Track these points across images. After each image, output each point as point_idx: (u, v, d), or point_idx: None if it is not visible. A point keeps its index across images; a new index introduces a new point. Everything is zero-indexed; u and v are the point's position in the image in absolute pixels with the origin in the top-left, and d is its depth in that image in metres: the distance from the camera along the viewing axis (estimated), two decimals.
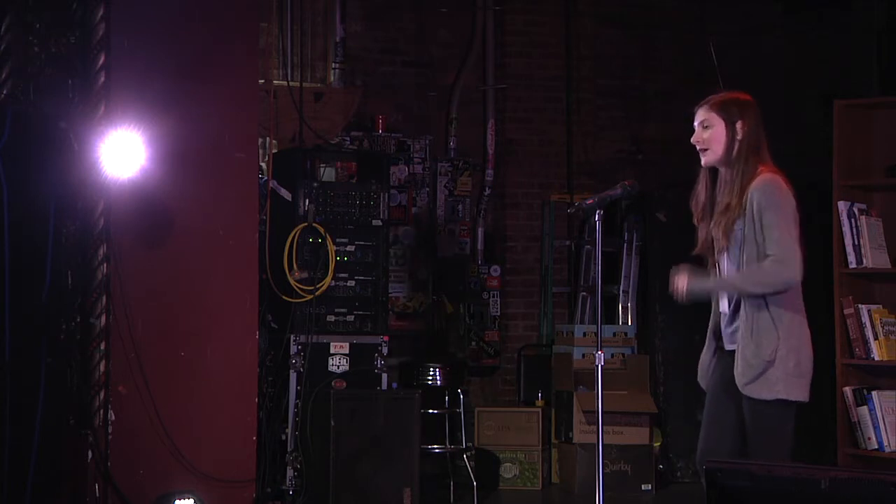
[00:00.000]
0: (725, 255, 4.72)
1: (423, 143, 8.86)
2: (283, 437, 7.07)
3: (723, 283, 4.70)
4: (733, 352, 4.70)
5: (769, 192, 4.61)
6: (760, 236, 4.59)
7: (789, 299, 4.63)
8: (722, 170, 4.75)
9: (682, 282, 4.70)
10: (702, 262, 4.84)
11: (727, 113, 4.71)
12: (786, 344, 4.59)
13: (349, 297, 7.40)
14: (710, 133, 4.72)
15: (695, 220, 4.83)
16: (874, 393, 6.51)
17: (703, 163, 4.77)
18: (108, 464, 6.00)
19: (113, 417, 6.02)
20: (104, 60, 6.02)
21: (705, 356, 4.85)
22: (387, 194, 7.56)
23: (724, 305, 4.76)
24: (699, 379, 4.87)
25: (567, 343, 8.43)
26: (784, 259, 4.56)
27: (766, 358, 4.57)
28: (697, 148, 4.76)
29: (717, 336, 4.81)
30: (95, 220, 6.00)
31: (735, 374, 4.65)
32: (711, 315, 4.88)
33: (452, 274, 8.92)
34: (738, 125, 4.69)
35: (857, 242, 6.51)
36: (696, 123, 4.78)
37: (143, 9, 6.18)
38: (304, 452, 6.98)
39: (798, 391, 4.60)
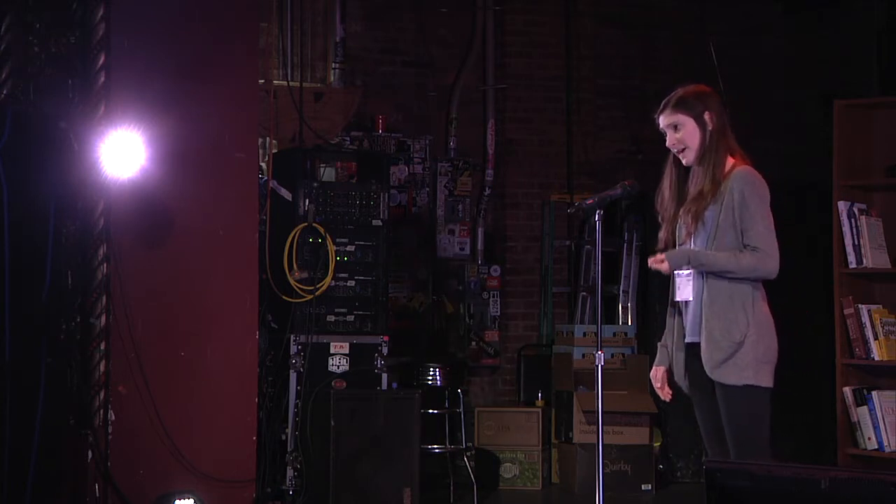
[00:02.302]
0: (691, 241, 4.73)
1: (423, 143, 8.86)
2: (283, 437, 7.07)
3: (706, 255, 4.64)
4: (694, 344, 4.71)
5: (751, 182, 4.65)
6: (739, 226, 4.62)
7: (757, 287, 4.67)
8: (693, 163, 4.77)
9: (661, 258, 4.70)
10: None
11: (691, 108, 4.74)
12: (756, 329, 4.62)
13: (349, 297, 7.40)
14: (682, 133, 4.74)
15: (659, 219, 4.86)
16: (874, 393, 6.51)
17: (684, 163, 4.78)
18: (108, 464, 6.00)
19: (113, 417, 6.02)
20: (104, 60, 6.02)
21: (678, 354, 4.82)
22: (387, 194, 7.55)
23: (686, 293, 4.74)
24: (676, 379, 4.84)
25: (567, 343, 8.43)
26: (768, 252, 4.62)
27: (736, 339, 4.60)
28: (675, 151, 4.77)
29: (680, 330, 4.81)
30: (95, 220, 6.00)
31: (703, 359, 4.65)
32: (669, 307, 4.88)
33: (452, 274, 8.93)
34: (706, 116, 4.72)
35: (857, 242, 6.51)
36: (664, 128, 4.78)
37: (143, 9, 6.18)
38: (304, 452, 6.98)
39: (766, 377, 4.64)
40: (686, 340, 4.77)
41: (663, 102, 4.80)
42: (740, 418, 4.61)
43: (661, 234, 4.86)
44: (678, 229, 4.79)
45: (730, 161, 4.72)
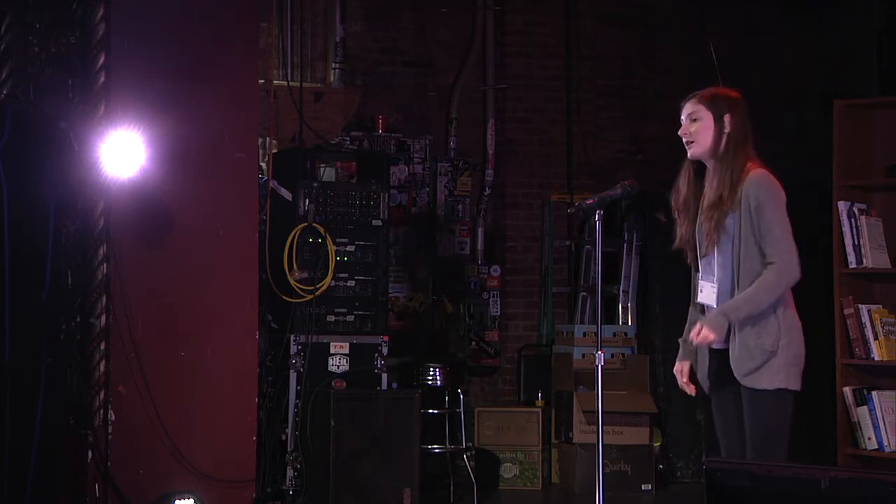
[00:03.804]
0: (715, 249, 4.71)
1: (423, 143, 8.86)
2: (283, 437, 7.07)
3: (738, 311, 4.62)
4: (721, 350, 4.70)
5: (766, 187, 4.65)
6: (758, 231, 4.62)
7: (786, 291, 4.68)
8: (709, 164, 4.77)
9: (706, 333, 4.63)
10: (681, 256, 4.87)
11: (715, 106, 4.74)
12: (787, 335, 4.64)
13: (349, 297, 7.40)
14: (697, 126, 4.74)
15: (673, 213, 4.85)
16: (874, 393, 6.51)
17: (689, 155, 4.79)
18: (108, 464, 6.00)
19: (113, 417, 6.02)
20: (104, 60, 6.02)
21: (702, 355, 4.82)
22: (387, 194, 7.56)
23: (708, 297, 4.73)
24: (700, 379, 4.84)
25: (567, 343, 8.43)
26: (785, 261, 4.60)
27: (770, 348, 4.61)
28: (684, 140, 4.78)
29: None
30: (95, 220, 6.00)
31: (732, 365, 4.65)
32: (692, 304, 4.88)
33: (452, 274, 8.92)
34: (727, 118, 4.72)
35: (857, 242, 6.51)
36: (683, 117, 4.79)
37: (143, 9, 6.18)
38: (304, 452, 6.98)
39: (796, 380, 4.66)
40: (714, 346, 4.73)
41: (694, 92, 4.81)
42: (769, 420, 4.62)
43: (679, 232, 4.82)
44: (698, 237, 4.77)
45: (747, 166, 4.72)
